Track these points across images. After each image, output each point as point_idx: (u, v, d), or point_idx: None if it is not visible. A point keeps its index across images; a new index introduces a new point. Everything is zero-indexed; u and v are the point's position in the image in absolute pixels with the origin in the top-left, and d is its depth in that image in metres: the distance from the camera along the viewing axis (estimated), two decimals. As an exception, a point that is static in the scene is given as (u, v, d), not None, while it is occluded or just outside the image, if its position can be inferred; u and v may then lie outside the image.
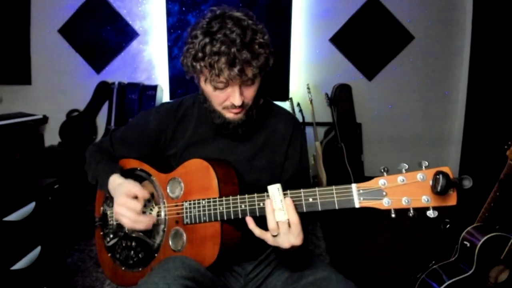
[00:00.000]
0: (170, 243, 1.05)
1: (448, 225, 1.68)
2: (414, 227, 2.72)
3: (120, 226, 1.16)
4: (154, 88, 3.50)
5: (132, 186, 1.03)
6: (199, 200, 1.00)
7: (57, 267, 1.77)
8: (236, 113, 1.02)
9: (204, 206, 0.98)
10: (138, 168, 1.17)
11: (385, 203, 0.80)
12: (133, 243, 1.12)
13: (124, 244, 1.14)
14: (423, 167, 0.79)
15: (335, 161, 3.33)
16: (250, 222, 0.91)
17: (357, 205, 0.83)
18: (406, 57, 3.55)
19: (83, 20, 3.58)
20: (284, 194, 0.88)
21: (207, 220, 0.98)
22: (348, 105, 3.53)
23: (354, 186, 0.83)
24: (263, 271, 1.15)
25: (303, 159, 1.18)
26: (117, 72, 3.66)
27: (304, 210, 0.87)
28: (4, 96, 3.62)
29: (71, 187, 2.70)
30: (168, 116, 1.16)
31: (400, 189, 0.80)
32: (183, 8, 3.48)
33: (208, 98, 1.03)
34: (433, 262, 1.70)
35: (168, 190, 1.08)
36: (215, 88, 0.97)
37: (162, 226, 1.07)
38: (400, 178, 0.80)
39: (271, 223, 0.88)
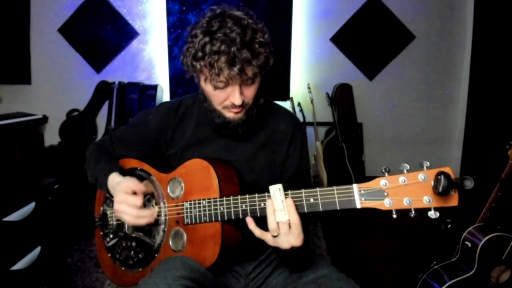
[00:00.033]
0: (171, 243, 1.04)
1: (450, 225, 1.67)
2: (415, 227, 2.71)
3: (120, 226, 1.16)
4: (154, 87, 3.50)
5: (130, 183, 1.03)
6: (199, 200, 0.99)
7: (57, 267, 1.77)
8: (236, 113, 1.02)
9: (204, 206, 0.98)
10: (138, 168, 1.17)
11: (386, 204, 0.80)
12: (133, 243, 1.12)
13: (124, 244, 1.14)
14: (425, 167, 0.78)
15: (336, 161, 3.33)
16: (251, 223, 0.91)
17: (358, 206, 0.82)
18: (407, 56, 3.54)
19: (83, 19, 3.58)
20: (285, 195, 0.87)
21: (208, 220, 0.98)
22: (349, 104, 3.52)
23: (355, 186, 0.83)
24: (263, 271, 1.14)
25: (304, 158, 1.17)
26: (117, 71, 3.65)
27: (305, 211, 0.87)
28: (4, 96, 3.62)
29: (71, 187, 2.70)
30: (168, 115, 1.16)
31: (402, 189, 0.79)
32: (183, 7, 3.47)
33: (208, 98, 1.03)
34: (434, 262, 1.69)
35: (168, 190, 1.07)
36: (215, 88, 0.97)
37: (162, 226, 1.07)
38: (401, 178, 0.79)
39: (271, 223, 0.87)
